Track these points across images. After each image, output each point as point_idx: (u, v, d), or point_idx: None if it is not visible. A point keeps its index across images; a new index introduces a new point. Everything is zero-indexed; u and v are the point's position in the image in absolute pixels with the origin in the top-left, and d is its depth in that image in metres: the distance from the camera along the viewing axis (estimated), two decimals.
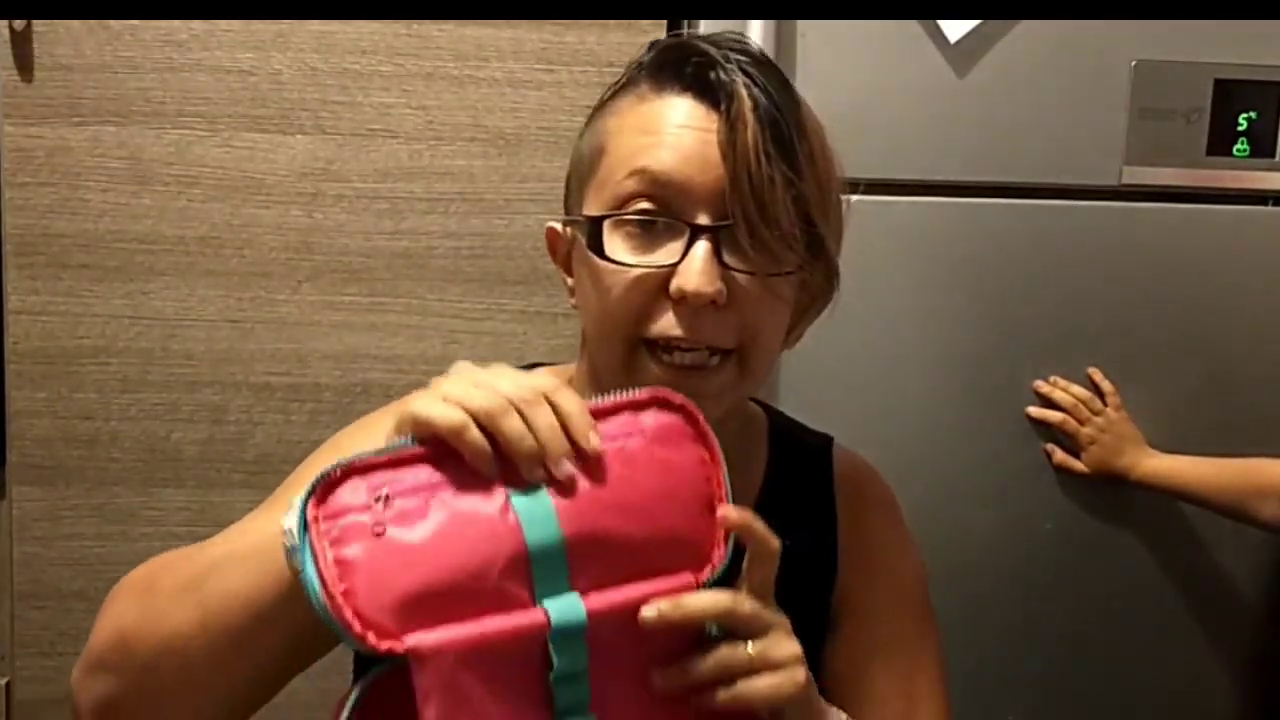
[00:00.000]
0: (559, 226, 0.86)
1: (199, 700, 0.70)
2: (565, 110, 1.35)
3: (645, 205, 0.77)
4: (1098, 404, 1.37)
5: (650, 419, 0.69)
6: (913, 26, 1.33)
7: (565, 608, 0.64)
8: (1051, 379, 1.38)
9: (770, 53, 1.26)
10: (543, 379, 0.67)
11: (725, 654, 0.68)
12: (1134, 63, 1.35)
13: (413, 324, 1.38)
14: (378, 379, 1.38)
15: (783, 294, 0.78)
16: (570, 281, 0.85)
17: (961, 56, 1.33)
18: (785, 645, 0.69)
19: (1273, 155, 1.37)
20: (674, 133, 0.77)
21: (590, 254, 0.78)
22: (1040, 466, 1.40)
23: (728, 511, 0.68)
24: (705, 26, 1.30)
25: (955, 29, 1.32)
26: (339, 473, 0.64)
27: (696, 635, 0.68)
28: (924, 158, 1.35)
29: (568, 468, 0.65)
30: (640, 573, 0.67)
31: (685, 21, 1.35)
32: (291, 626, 0.67)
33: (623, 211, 0.77)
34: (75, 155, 1.32)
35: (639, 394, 0.69)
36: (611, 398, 0.69)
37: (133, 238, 1.34)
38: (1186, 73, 1.35)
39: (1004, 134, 1.35)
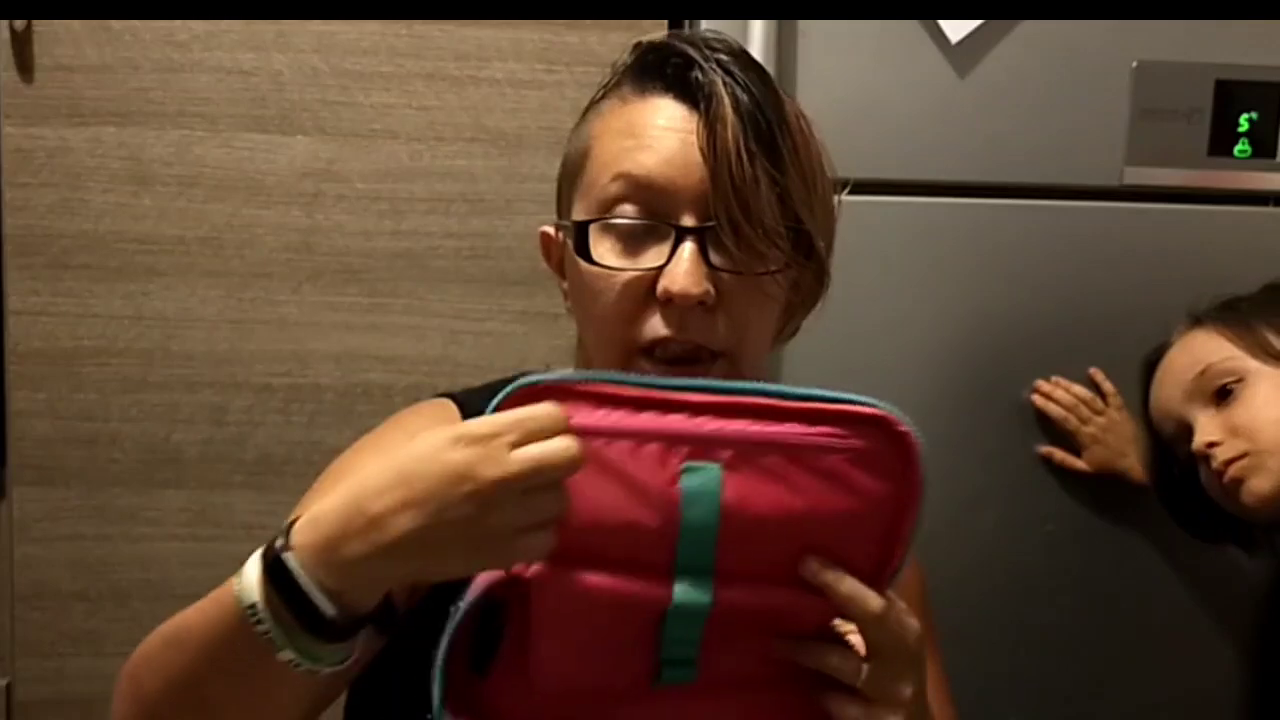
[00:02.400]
0: (551, 230, 0.86)
1: None
2: (566, 110, 1.35)
3: (629, 209, 0.77)
4: (1099, 404, 1.37)
5: (863, 440, 0.69)
6: (913, 26, 1.33)
7: (692, 594, 0.64)
8: (1052, 379, 1.38)
9: (770, 53, 1.27)
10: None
11: (837, 656, 0.68)
12: (1134, 63, 1.35)
13: (413, 324, 1.37)
14: (378, 379, 1.38)
15: (770, 293, 0.78)
16: (565, 285, 0.85)
17: (961, 56, 1.33)
18: (900, 689, 0.69)
19: (1273, 156, 1.37)
20: (656, 135, 0.77)
21: (578, 259, 0.78)
22: (1040, 467, 1.40)
23: (824, 574, 0.67)
24: (705, 27, 1.30)
25: (955, 29, 1.32)
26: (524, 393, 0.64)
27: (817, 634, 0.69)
28: (924, 158, 1.35)
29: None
30: (784, 579, 0.66)
31: (686, 21, 1.35)
32: (279, 682, 0.67)
33: (607, 216, 0.77)
34: (75, 156, 1.32)
35: (865, 408, 0.70)
36: (835, 401, 0.68)
37: (133, 238, 1.34)
38: (1187, 73, 1.35)
39: (1004, 134, 1.35)
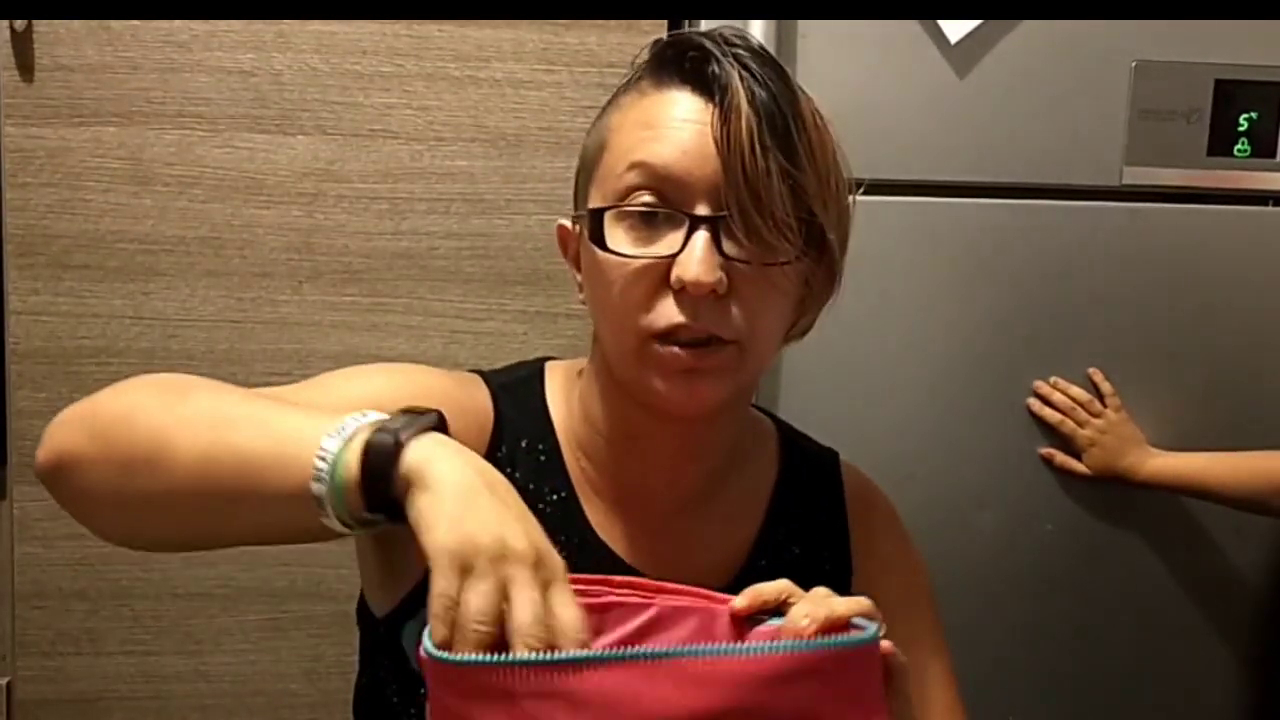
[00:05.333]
0: (569, 224, 0.87)
1: (149, 511, 0.71)
2: (566, 111, 1.35)
3: (645, 197, 0.78)
4: (1097, 405, 1.37)
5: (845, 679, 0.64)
6: (913, 26, 1.33)
7: None
8: (1051, 380, 1.38)
9: (770, 53, 1.27)
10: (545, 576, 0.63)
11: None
12: (1134, 63, 1.35)
13: (414, 324, 1.38)
14: None
15: (781, 285, 0.79)
16: (579, 278, 0.85)
17: (961, 57, 1.33)
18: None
19: (1273, 156, 1.37)
20: (673, 126, 0.78)
21: (593, 246, 0.79)
22: (1041, 467, 1.40)
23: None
24: (705, 27, 1.30)
25: (955, 29, 1.32)
26: None
27: None
28: (924, 158, 1.35)
29: None
30: None
31: (685, 21, 1.35)
32: (274, 520, 0.68)
33: (622, 204, 0.78)
34: (76, 156, 1.32)
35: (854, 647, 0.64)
36: (832, 633, 0.65)
37: (133, 238, 1.34)
38: (1187, 73, 1.35)
39: (1004, 134, 1.35)
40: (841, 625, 0.65)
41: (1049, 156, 1.36)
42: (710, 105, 0.77)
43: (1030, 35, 1.34)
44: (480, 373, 0.91)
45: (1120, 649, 1.42)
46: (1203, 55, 1.35)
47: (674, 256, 0.77)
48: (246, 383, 1.35)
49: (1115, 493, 1.39)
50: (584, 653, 0.60)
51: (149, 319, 1.35)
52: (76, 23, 1.30)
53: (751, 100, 0.76)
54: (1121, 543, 1.41)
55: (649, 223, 0.78)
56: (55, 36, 1.30)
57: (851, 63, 1.32)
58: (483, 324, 1.38)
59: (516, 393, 0.88)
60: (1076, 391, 1.38)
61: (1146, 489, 1.37)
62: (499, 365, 0.94)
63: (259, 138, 1.34)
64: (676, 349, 0.78)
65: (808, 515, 0.91)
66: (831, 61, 1.32)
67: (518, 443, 0.86)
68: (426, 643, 0.60)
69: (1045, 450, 1.39)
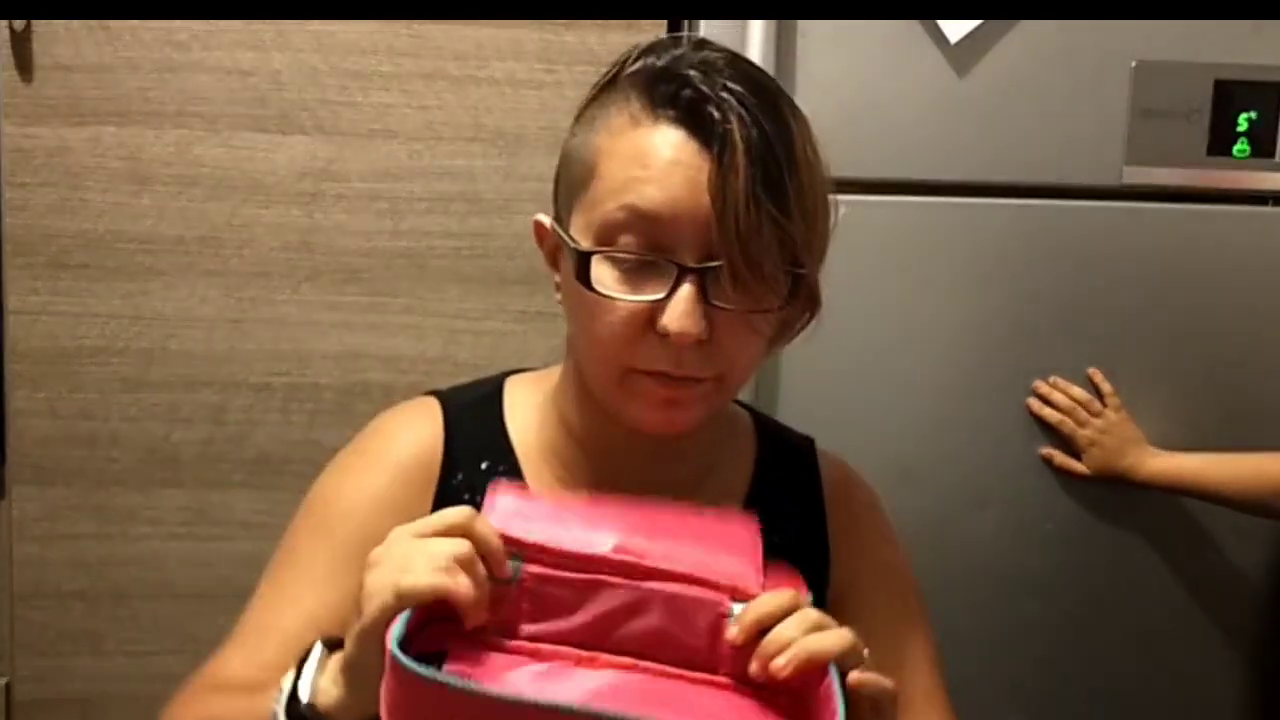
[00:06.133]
0: (546, 221, 0.87)
1: None
2: (565, 110, 1.34)
3: (631, 240, 0.78)
4: (1097, 405, 1.37)
5: None
6: (913, 27, 1.33)
7: None
8: (1051, 380, 1.38)
9: (770, 53, 1.27)
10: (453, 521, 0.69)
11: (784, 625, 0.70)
12: (1134, 63, 1.35)
13: (413, 324, 1.38)
14: (378, 379, 1.38)
15: (761, 329, 0.81)
16: (557, 277, 0.86)
17: (961, 57, 1.33)
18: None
19: (1273, 155, 1.37)
20: (664, 169, 0.77)
21: (578, 283, 0.79)
22: (1041, 467, 1.40)
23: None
24: (705, 26, 1.30)
25: (955, 29, 1.32)
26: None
27: None
28: (924, 158, 1.35)
29: None
30: None
31: (685, 21, 1.35)
32: None
33: (611, 249, 0.78)
34: (75, 155, 1.32)
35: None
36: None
37: (132, 238, 1.34)
38: (1186, 73, 1.35)
39: (1004, 134, 1.35)
40: (820, 667, 0.67)
41: (1049, 156, 1.36)
42: (704, 151, 0.77)
43: (1030, 35, 1.33)
44: (440, 394, 0.92)
45: (1120, 649, 1.42)
46: (1203, 55, 1.35)
47: (659, 302, 0.77)
48: (246, 382, 1.37)
49: (1115, 493, 1.39)
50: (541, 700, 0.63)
51: (148, 319, 1.35)
52: (76, 23, 1.30)
53: (749, 150, 0.76)
54: (1121, 543, 1.41)
55: (635, 266, 0.78)
56: (55, 36, 1.30)
57: (851, 63, 1.32)
58: (482, 323, 1.38)
59: (475, 412, 0.90)
60: (1076, 391, 1.38)
61: (1146, 489, 1.37)
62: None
63: (258, 137, 1.34)
64: (659, 387, 0.79)
65: (785, 504, 0.92)
66: (831, 61, 1.32)
67: (476, 465, 0.88)
68: (393, 646, 0.63)
69: (1045, 450, 1.39)
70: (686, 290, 0.76)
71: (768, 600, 0.69)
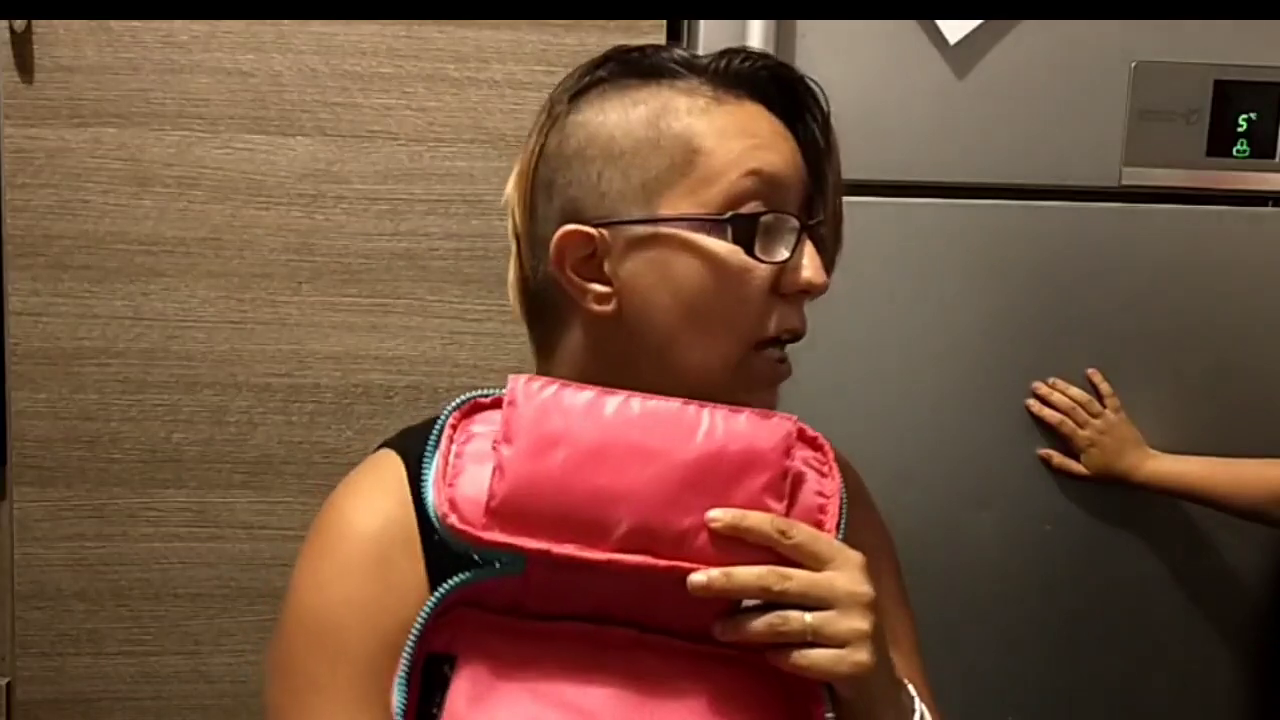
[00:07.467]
0: (589, 230, 0.81)
1: None
2: None
3: (758, 205, 0.80)
4: (1096, 406, 1.37)
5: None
6: (913, 27, 1.33)
7: None
8: (1050, 381, 1.38)
9: (770, 53, 1.27)
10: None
11: (777, 618, 0.71)
12: (1134, 63, 1.35)
13: (413, 325, 1.38)
14: (378, 380, 1.38)
15: None
16: (599, 288, 0.81)
17: (961, 57, 1.34)
18: (851, 622, 0.71)
19: (1273, 156, 1.37)
20: (770, 136, 0.82)
21: (715, 252, 0.79)
22: (1040, 467, 1.40)
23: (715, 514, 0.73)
24: (705, 26, 1.30)
25: (955, 29, 1.32)
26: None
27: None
28: (923, 158, 1.35)
29: None
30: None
31: (685, 22, 1.35)
32: None
33: (765, 210, 0.80)
34: (76, 156, 1.32)
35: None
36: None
37: (133, 239, 1.34)
38: (1186, 73, 1.35)
39: (1004, 134, 1.35)
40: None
41: (1048, 157, 1.36)
42: (786, 121, 0.83)
43: (1030, 35, 1.34)
44: (396, 445, 0.86)
45: (1120, 649, 1.42)
46: (1202, 55, 1.35)
47: (785, 263, 0.80)
48: (246, 383, 1.37)
49: (1114, 494, 1.39)
50: None
51: (149, 320, 1.35)
52: (76, 23, 1.30)
53: (826, 120, 0.84)
54: (1121, 543, 1.41)
55: (767, 230, 0.80)
56: (55, 37, 1.30)
57: (851, 63, 1.32)
58: (482, 324, 1.38)
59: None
60: (1076, 392, 1.38)
61: (1145, 490, 1.37)
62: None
63: (259, 139, 1.34)
64: (778, 357, 0.83)
65: None
66: (831, 61, 1.32)
67: None
68: None
69: (1044, 451, 1.39)
70: (810, 245, 0.81)
71: (754, 519, 0.72)
